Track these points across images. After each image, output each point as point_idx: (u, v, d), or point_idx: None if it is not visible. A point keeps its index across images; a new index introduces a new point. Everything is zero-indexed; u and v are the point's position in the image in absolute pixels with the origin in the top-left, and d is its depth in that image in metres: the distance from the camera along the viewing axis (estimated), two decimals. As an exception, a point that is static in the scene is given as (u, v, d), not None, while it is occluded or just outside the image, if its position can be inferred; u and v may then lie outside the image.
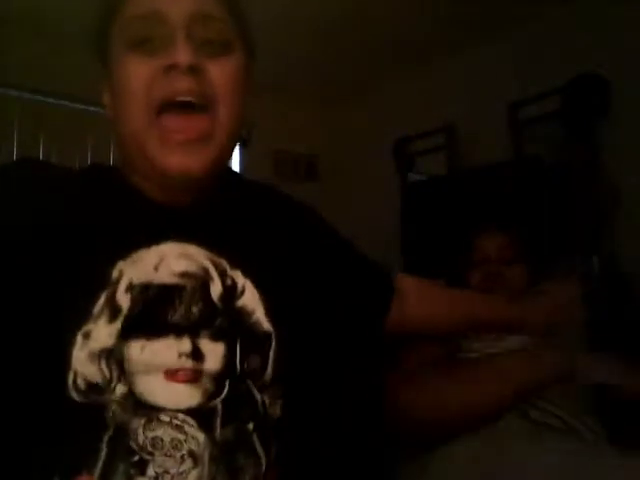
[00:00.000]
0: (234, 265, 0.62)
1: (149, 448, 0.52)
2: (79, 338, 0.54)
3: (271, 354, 0.61)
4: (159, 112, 0.60)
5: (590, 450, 0.81)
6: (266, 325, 0.61)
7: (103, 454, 0.51)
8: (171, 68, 0.59)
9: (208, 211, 0.67)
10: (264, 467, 0.58)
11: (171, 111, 0.60)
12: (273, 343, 0.61)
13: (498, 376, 0.90)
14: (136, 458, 0.52)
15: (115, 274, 0.58)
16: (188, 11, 0.61)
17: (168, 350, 0.56)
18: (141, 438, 0.52)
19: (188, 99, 0.60)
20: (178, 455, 0.53)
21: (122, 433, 0.52)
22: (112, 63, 0.64)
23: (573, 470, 0.70)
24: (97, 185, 0.66)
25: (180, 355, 0.56)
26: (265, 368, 0.60)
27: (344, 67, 3.39)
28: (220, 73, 0.62)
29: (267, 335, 0.61)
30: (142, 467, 0.52)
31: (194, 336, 0.57)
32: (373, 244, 4.01)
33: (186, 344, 0.56)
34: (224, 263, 0.62)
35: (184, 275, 0.60)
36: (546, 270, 1.37)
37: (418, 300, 0.90)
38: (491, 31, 2.92)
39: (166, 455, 0.52)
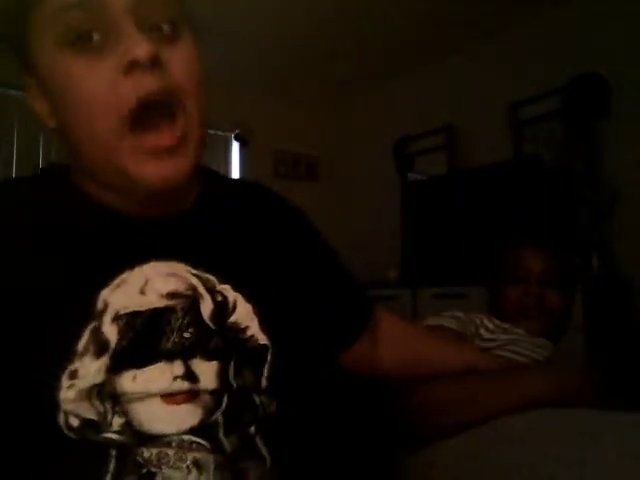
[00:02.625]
0: (223, 280, 0.59)
1: (155, 462, 0.52)
2: (64, 380, 0.51)
3: (266, 366, 0.59)
4: (129, 122, 0.52)
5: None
6: (262, 339, 0.59)
7: (112, 467, 0.51)
8: (132, 66, 0.50)
9: (188, 223, 0.62)
10: (269, 466, 0.58)
11: (142, 122, 0.52)
12: (269, 356, 0.59)
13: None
14: (144, 471, 0.51)
15: (100, 305, 0.53)
16: None
17: (162, 375, 0.53)
18: (147, 454, 0.52)
19: (158, 98, 0.52)
20: (184, 466, 0.53)
21: (127, 451, 0.52)
22: (40, 62, 0.54)
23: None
24: (58, 203, 0.59)
25: (175, 378, 0.53)
26: (260, 379, 0.58)
27: (344, 67, 3.39)
28: (180, 61, 0.54)
29: (263, 348, 0.59)
30: (150, 479, 0.52)
31: (187, 359, 0.55)
32: (373, 244, 4.01)
33: (179, 367, 0.54)
34: (212, 279, 0.58)
35: (173, 295, 0.56)
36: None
37: (393, 342, 0.83)
38: (491, 31, 2.92)
39: (172, 467, 0.52)
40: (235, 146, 3.70)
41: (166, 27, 0.54)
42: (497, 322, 1.18)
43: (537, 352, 1.10)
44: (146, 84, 0.51)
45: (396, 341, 0.84)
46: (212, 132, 3.56)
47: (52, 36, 0.51)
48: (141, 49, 0.50)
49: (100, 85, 0.51)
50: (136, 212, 0.59)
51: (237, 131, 3.61)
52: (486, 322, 1.17)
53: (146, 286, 0.55)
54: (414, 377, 0.84)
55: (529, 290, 1.21)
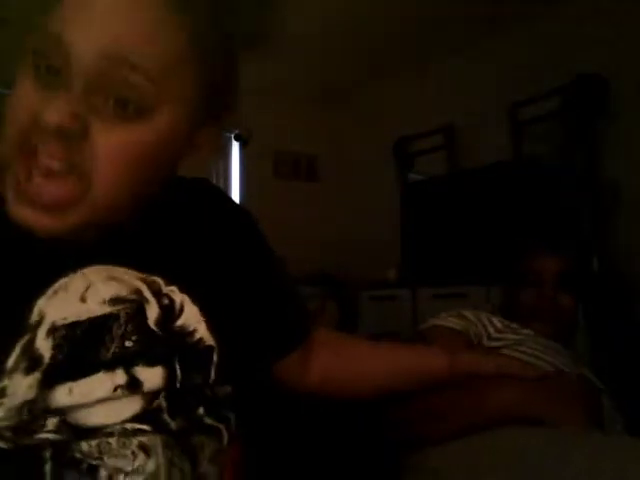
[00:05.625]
0: (169, 281, 0.56)
1: (96, 454, 0.49)
2: None
3: (212, 367, 0.56)
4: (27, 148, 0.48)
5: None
6: (208, 340, 0.57)
7: (48, 468, 0.48)
8: (37, 124, 0.46)
9: (131, 223, 0.57)
10: (226, 440, 0.56)
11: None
12: (215, 357, 0.57)
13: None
14: (84, 466, 0.48)
15: (34, 317, 0.49)
16: (100, 50, 0.46)
17: (101, 386, 0.50)
18: (85, 447, 0.49)
19: (53, 167, 0.47)
20: (128, 452, 0.50)
21: (63, 448, 0.48)
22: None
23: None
24: None
25: (116, 388, 0.50)
26: (207, 381, 0.56)
27: (344, 67, 3.39)
28: (111, 145, 0.48)
29: (209, 350, 0.56)
30: (93, 473, 0.49)
31: (129, 366, 0.51)
32: (373, 244, 4.00)
33: (121, 376, 0.51)
34: (158, 281, 0.55)
35: (116, 301, 0.52)
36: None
37: (332, 359, 0.77)
38: (491, 31, 2.92)
39: (116, 456, 0.49)
40: (235, 146, 3.70)
41: (130, 106, 0.48)
42: (506, 322, 1.18)
43: (547, 353, 1.09)
44: (45, 144, 0.47)
45: (331, 364, 0.78)
46: (212, 132, 3.56)
47: (26, 56, 0.50)
48: (50, 113, 0.46)
49: (22, 107, 0.48)
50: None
51: (237, 131, 3.61)
52: (495, 321, 1.17)
53: (87, 292, 0.52)
54: (350, 396, 0.81)
55: (543, 293, 1.22)
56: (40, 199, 0.47)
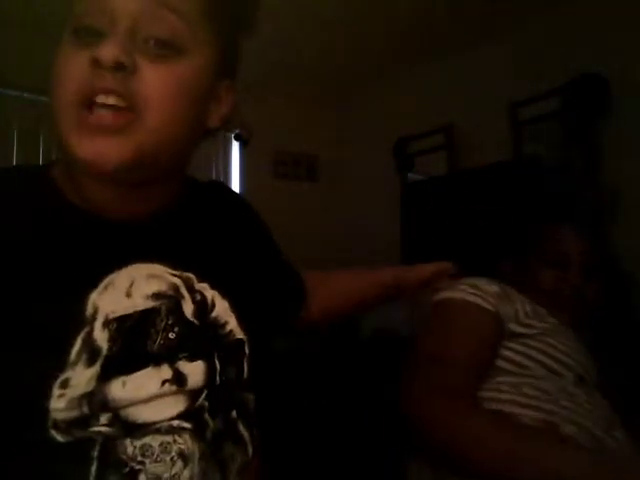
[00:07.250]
0: (201, 278, 0.61)
1: (139, 457, 0.52)
2: (55, 389, 0.50)
3: (245, 361, 0.61)
4: (81, 102, 0.53)
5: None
6: (239, 333, 0.61)
7: (94, 469, 0.50)
8: (95, 63, 0.52)
9: (166, 224, 0.63)
10: (250, 453, 0.60)
11: (93, 105, 0.53)
12: (246, 350, 0.62)
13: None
14: (126, 470, 0.51)
15: (89, 310, 0.53)
16: (138, 1, 0.53)
17: (150, 380, 0.54)
18: (130, 449, 0.52)
19: (109, 102, 0.52)
20: (168, 458, 0.53)
21: (110, 447, 0.51)
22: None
23: None
24: (35, 202, 0.58)
25: (163, 383, 0.55)
26: (241, 374, 0.61)
27: (344, 67, 3.39)
28: (158, 78, 0.54)
29: (240, 343, 0.61)
30: (134, 477, 0.51)
31: (173, 361, 0.56)
32: (373, 244, 4.00)
33: (167, 371, 0.55)
34: (191, 277, 0.60)
35: (157, 296, 0.57)
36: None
37: (320, 296, 0.91)
38: (491, 31, 2.92)
39: (156, 461, 0.53)
40: (235, 146, 3.70)
41: (166, 46, 0.55)
42: (534, 306, 1.06)
43: (570, 346, 1.00)
44: (98, 82, 0.52)
45: (320, 294, 0.91)
46: (212, 132, 3.56)
47: (70, 22, 0.56)
48: (106, 51, 0.52)
49: (70, 71, 0.53)
50: (111, 209, 0.59)
51: (237, 131, 3.61)
52: (526, 306, 1.05)
53: (132, 288, 0.56)
54: (341, 314, 0.97)
55: (566, 277, 1.09)
56: (100, 122, 0.52)
